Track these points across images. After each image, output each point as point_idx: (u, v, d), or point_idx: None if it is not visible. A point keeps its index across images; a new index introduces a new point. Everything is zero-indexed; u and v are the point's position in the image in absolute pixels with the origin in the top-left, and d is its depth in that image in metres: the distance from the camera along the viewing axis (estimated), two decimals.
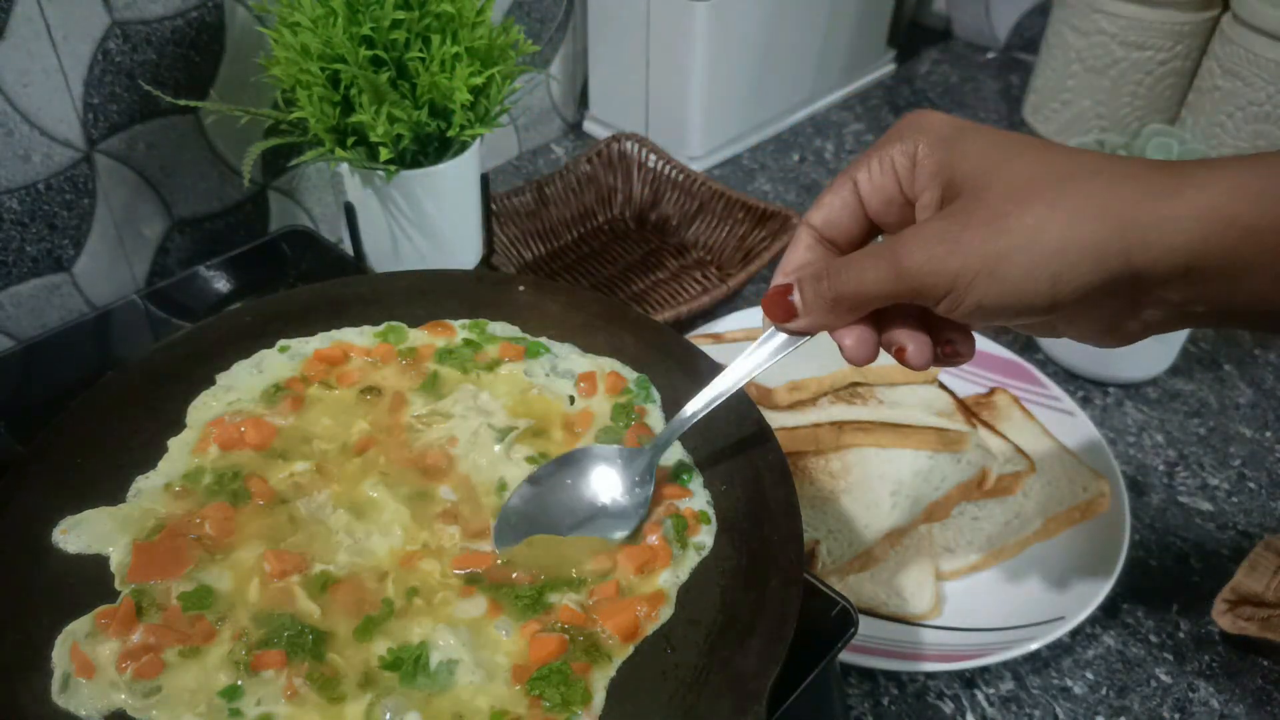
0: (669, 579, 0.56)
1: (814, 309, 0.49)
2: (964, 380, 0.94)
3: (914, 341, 0.49)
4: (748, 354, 0.54)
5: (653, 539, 0.58)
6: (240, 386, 0.67)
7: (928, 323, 0.50)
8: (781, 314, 0.50)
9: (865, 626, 0.71)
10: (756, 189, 1.24)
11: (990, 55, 1.53)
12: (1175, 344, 0.96)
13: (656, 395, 0.67)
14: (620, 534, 0.58)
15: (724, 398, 0.56)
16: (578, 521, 0.59)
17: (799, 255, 0.51)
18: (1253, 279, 0.41)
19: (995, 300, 0.44)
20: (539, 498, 0.60)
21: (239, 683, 0.51)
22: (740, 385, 0.56)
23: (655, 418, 0.66)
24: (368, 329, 0.72)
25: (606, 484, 0.60)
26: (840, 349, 0.51)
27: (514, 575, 0.57)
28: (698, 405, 0.57)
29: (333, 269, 0.88)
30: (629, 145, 1.13)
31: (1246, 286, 0.42)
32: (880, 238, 0.51)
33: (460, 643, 0.52)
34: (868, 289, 0.47)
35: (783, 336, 0.52)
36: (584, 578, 0.56)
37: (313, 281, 0.75)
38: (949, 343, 0.50)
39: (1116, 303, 0.44)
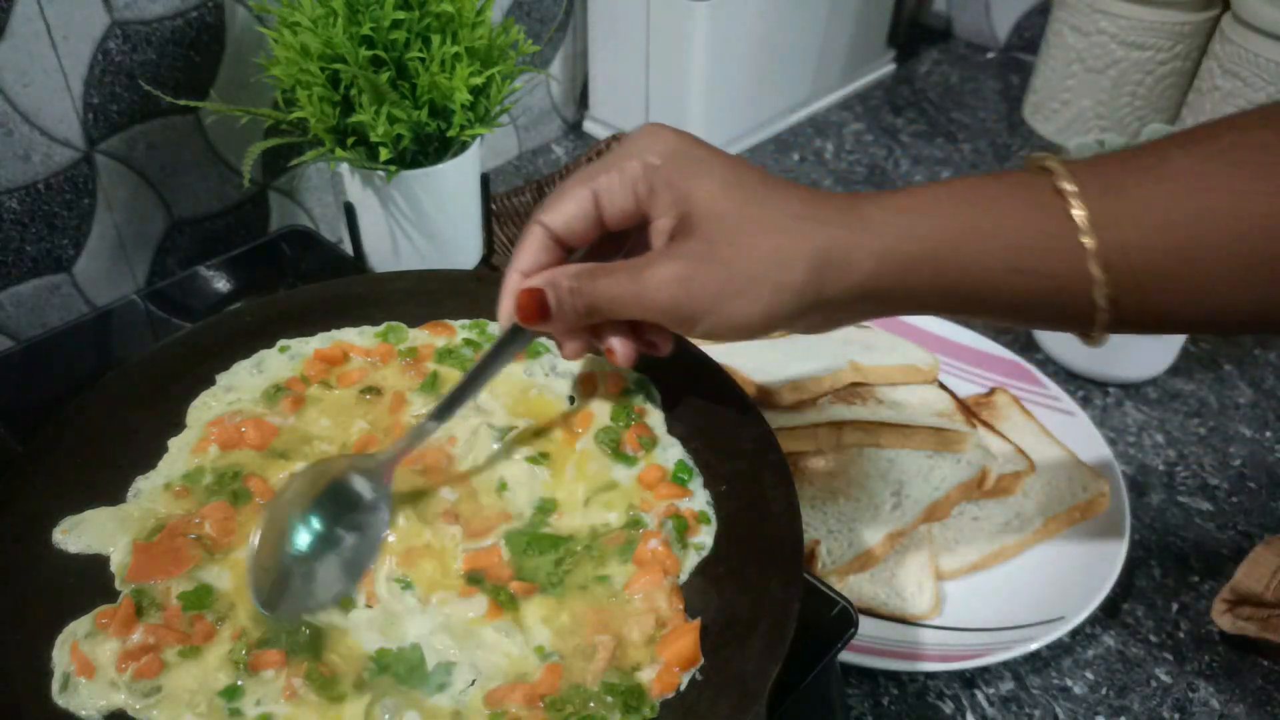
0: (669, 580, 0.56)
1: (568, 315, 0.54)
2: (964, 380, 0.94)
3: (622, 345, 0.57)
4: (486, 355, 0.58)
5: (654, 543, 0.57)
6: (240, 386, 0.67)
7: (635, 323, 0.57)
8: (535, 316, 0.54)
9: (865, 626, 0.71)
10: None
11: (990, 55, 1.53)
12: (1175, 344, 0.96)
13: (657, 395, 0.67)
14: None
15: (469, 399, 0.59)
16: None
17: (532, 255, 0.55)
18: (920, 297, 0.51)
19: (720, 329, 0.52)
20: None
21: (239, 682, 0.51)
22: (480, 389, 0.59)
23: (655, 418, 0.66)
24: (368, 329, 0.72)
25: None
26: (560, 348, 0.58)
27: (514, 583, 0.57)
28: (442, 404, 0.59)
29: (333, 269, 0.87)
30: None
31: (916, 302, 0.52)
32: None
33: (458, 644, 0.52)
34: (617, 306, 0.53)
35: (516, 334, 0.57)
36: None
37: (313, 281, 0.75)
38: (650, 343, 0.58)
39: (814, 318, 0.53)
